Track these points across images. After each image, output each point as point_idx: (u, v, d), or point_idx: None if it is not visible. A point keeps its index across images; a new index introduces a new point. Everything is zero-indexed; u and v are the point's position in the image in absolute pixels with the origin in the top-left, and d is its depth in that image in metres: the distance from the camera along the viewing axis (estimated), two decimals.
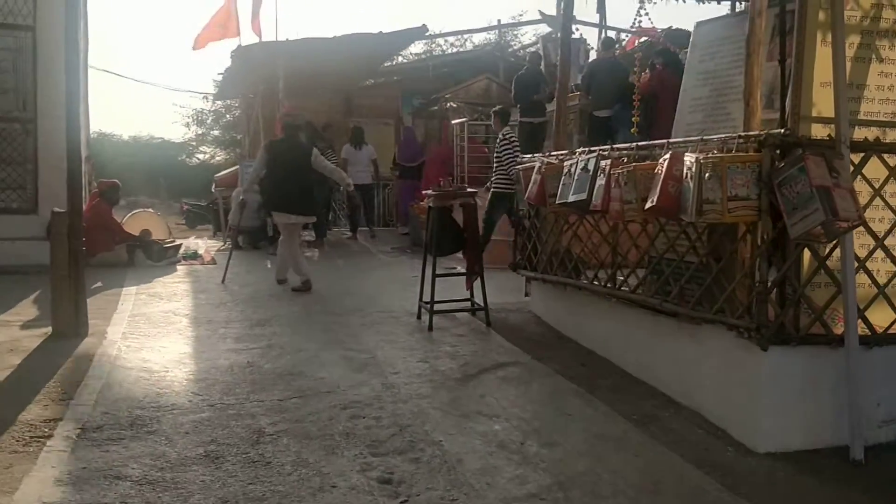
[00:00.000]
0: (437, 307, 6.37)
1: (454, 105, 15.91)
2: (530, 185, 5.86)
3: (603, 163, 4.89)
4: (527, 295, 6.93)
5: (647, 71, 11.35)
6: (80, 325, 5.90)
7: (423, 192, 13.06)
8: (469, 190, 6.43)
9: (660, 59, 10.95)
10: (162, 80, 43.32)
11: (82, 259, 5.97)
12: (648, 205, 4.23)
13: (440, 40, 25.18)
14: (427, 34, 16.48)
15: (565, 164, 5.38)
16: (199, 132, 35.49)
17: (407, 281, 8.95)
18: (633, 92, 10.47)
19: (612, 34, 15.63)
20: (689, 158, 3.98)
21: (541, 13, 14.56)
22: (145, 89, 63.22)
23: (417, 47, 24.04)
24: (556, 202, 5.40)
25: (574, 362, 5.35)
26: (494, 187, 8.82)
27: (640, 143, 4.84)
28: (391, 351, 5.66)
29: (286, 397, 4.57)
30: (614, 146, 5.09)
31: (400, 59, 20.26)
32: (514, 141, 8.84)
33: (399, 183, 14.65)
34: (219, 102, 29.72)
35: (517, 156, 7.70)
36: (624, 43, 12.85)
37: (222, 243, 12.00)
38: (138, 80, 40.05)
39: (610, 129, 10.27)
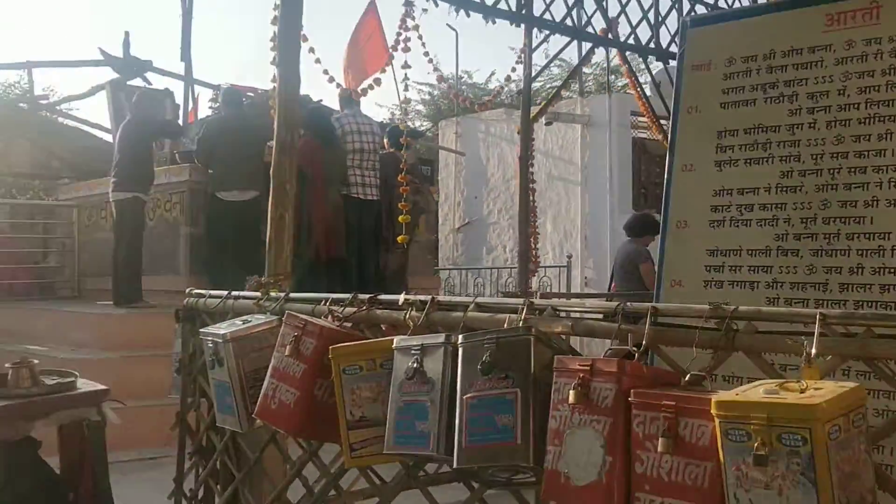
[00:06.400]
0: None
1: None
2: (268, 384, 2.31)
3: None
4: None
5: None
6: None
7: None
8: (87, 389, 2.52)
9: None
10: None
11: None
12: None
13: None
14: None
15: (401, 343, 2.02)
16: None
17: None
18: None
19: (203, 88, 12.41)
20: None
21: (102, 51, 10.45)
22: None
23: None
24: (387, 448, 1.98)
25: None
26: None
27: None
28: None
29: None
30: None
31: None
32: None
33: None
34: None
35: None
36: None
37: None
38: None
39: (245, 219, 6.87)
